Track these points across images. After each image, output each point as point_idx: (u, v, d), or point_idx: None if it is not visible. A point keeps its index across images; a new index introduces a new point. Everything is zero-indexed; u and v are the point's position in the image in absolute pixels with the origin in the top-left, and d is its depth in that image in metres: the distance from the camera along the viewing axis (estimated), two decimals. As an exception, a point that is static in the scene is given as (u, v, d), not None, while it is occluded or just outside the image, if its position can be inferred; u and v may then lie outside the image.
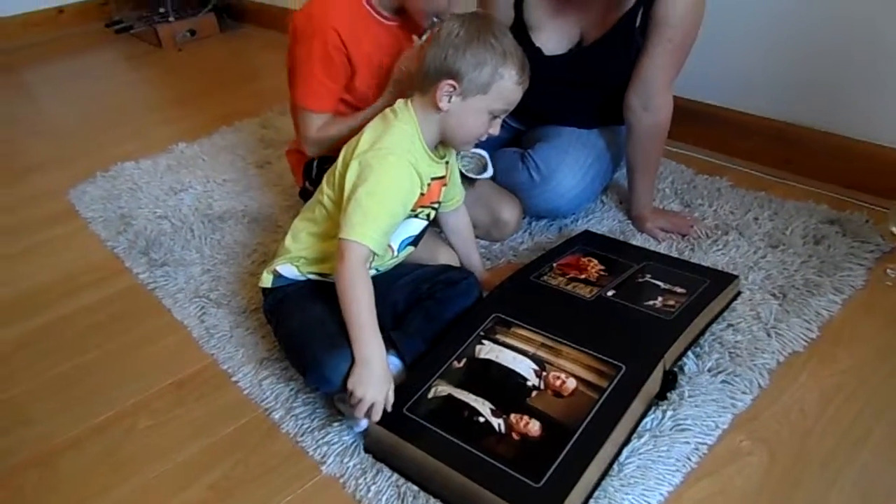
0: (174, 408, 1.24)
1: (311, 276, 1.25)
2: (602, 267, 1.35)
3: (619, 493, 0.99)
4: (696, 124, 1.85)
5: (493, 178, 1.57)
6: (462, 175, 1.48)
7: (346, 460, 1.09)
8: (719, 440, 1.09)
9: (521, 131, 1.72)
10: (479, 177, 1.53)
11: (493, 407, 1.06)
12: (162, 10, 3.39)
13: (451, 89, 1.12)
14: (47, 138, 2.44)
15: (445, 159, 1.24)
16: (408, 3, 1.41)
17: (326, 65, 1.40)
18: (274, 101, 2.48)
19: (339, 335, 1.10)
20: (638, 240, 1.54)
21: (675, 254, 1.48)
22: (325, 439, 1.13)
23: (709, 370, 1.18)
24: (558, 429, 1.01)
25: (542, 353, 1.14)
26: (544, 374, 1.10)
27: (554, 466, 0.95)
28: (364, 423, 1.10)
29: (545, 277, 1.33)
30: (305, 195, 1.56)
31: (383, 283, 1.23)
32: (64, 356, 1.38)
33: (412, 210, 1.19)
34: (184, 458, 1.14)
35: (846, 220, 1.53)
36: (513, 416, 1.04)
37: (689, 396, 1.14)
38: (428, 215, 1.25)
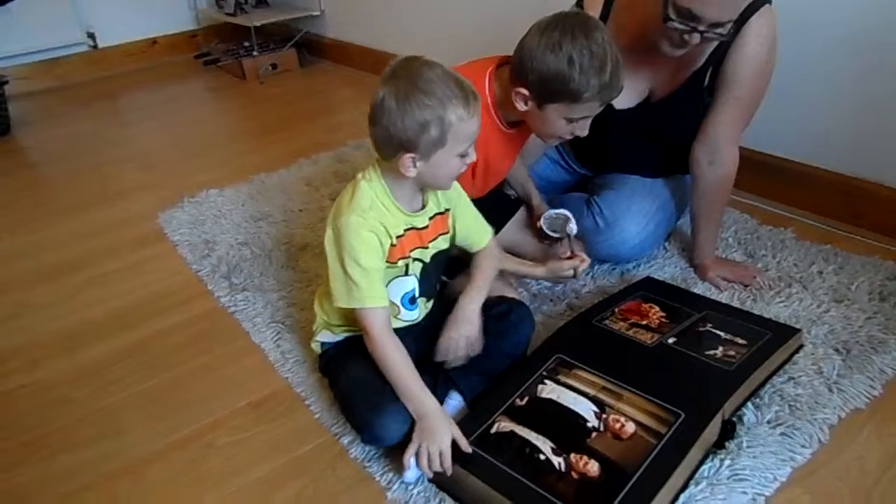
0: (251, 426, 1.32)
1: (347, 335, 1.32)
2: (663, 314, 1.39)
3: None
4: (762, 175, 1.87)
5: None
6: (546, 234, 1.54)
7: (410, 487, 1.15)
8: (777, 492, 1.10)
9: (587, 176, 1.78)
10: (558, 235, 1.55)
11: (553, 445, 1.11)
12: (247, 44, 3.60)
13: (412, 159, 1.12)
14: (139, 163, 2.62)
15: (427, 212, 1.24)
16: (533, 127, 1.42)
17: None
18: (349, 135, 2.61)
19: (383, 393, 1.17)
20: (699, 288, 1.57)
21: (736, 304, 1.50)
22: (391, 466, 1.19)
23: (768, 422, 1.20)
24: (617, 471, 1.05)
25: (602, 396, 1.18)
26: (604, 416, 1.15)
27: (611, 508, 0.99)
28: (411, 475, 1.15)
29: (607, 321, 1.37)
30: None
31: (436, 323, 1.29)
32: (152, 372, 1.49)
33: (388, 262, 1.20)
34: (259, 475, 1.22)
35: (916, 278, 1.52)
36: (573, 456, 1.08)
37: (748, 447, 1.16)
38: (407, 266, 1.24)
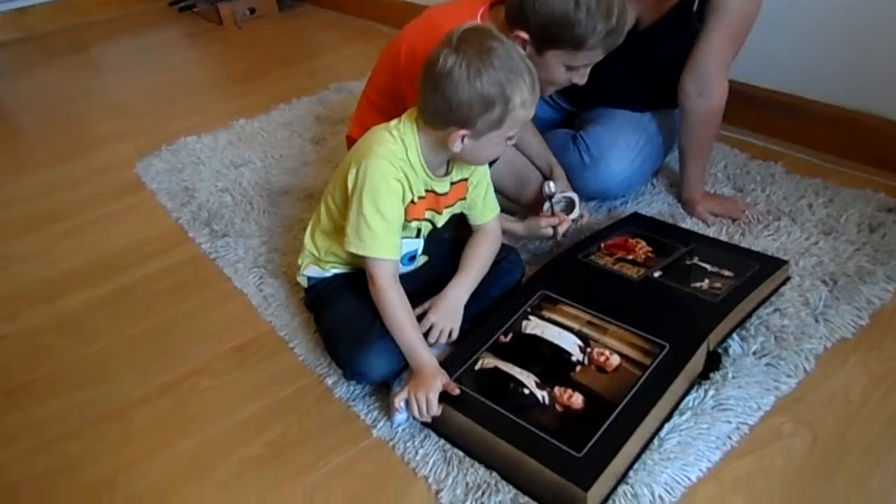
0: (234, 370, 1.31)
1: (336, 272, 1.30)
2: (650, 248, 1.37)
3: (659, 467, 1.02)
4: (752, 108, 1.83)
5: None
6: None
7: (395, 426, 1.14)
8: (761, 421, 1.10)
9: (573, 112, 1.74)
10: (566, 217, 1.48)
11: (537, 380, 1.10)
12: (223, -12, 3.48)
13: (463, 136, 1.08)
14: (115, 113, 2.55)
15: (450, 178, 1.21)
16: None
17: None
18: (330, 79, 2.54)
19: (366, 331, 1.16)
20: (687, 224, 1.55)
21: (724, 238, 1.48)
22: (376, 405, 1.19)
23: (753, 353, 1.19)
24: (601, 402, 1.04)
25: (587, 330, 1.17)
26: (589, 350, 1.14)
27: (595, 438, 0.99)
28: (400, 418, 1.14)
29: (593, 257, 1.36)
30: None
31: (429, 263, 1.28)
32: (136, 319, 1.47)
33: (404, 220, 1.17)
34: (243, 416, 1.21)
35: (907, 210, 1.51)
36: (557, 389, 1.08)
37: (733, 377, 1.15)
38: (419, 230, 1.22)
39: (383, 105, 1.43)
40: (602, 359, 1.12)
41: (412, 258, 1.28)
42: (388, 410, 1.16)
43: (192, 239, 1.71)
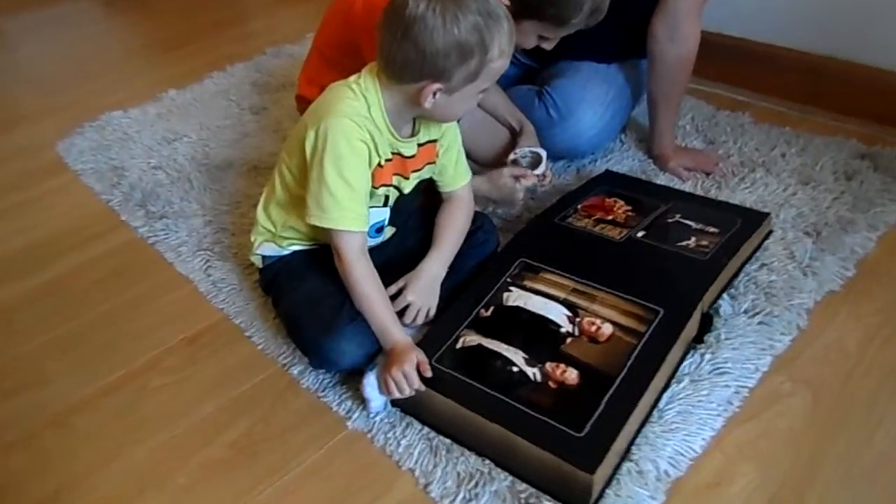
0: (187, 365, 1.18)
1: (295, 248, 1.19)
2: (629, 207, 1.29)
3: (661, 440, 0.96)
4: (717, 58, 1.75)
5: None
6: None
7: (372, 415, 1.05)
8: (760, 383, 1.05)
9: (534, 68, 1.64)
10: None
11: (526, 356, 1.02)
12: (141, -50, 3.21)
13: (437, 90, 0.97)
14: (30, 88, 2.32)
15: (417, 139, 1.10)
16: None
17: None
18: (266, 43, 2.36)
19: (335, 314, 1.06)
20: (661, 179, 1.48)
21: (700, 193, 1.42)
22: (349, 394, 1.09)
23: (745, 312, 1.14)
24: (597, 376, 0.97)
25: (573, 299, 1.09)
26: (578, 319, 1.06)
27: (596, 415, 0.91)
28: (376, 405, 1.04)
29: (570, 220, 1.27)
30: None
31: (397, 234, 1.17)
32: (71, 313, 1.31)
33: (371, 186, 1.07)
34: (200, 416, 1.09)
35: (878, 154, 1.48)
36: (548, 365, 1.00)
37: (727, 339, 1.10)
38: (387, 198, 1.12)
39: (337, 58, 1.31)
40: (593, 328, 1.04)
41: (379, 229, 1.16)
42: (362, 399, 1.06)
43: (126, 223, 1.54)
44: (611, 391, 0.94)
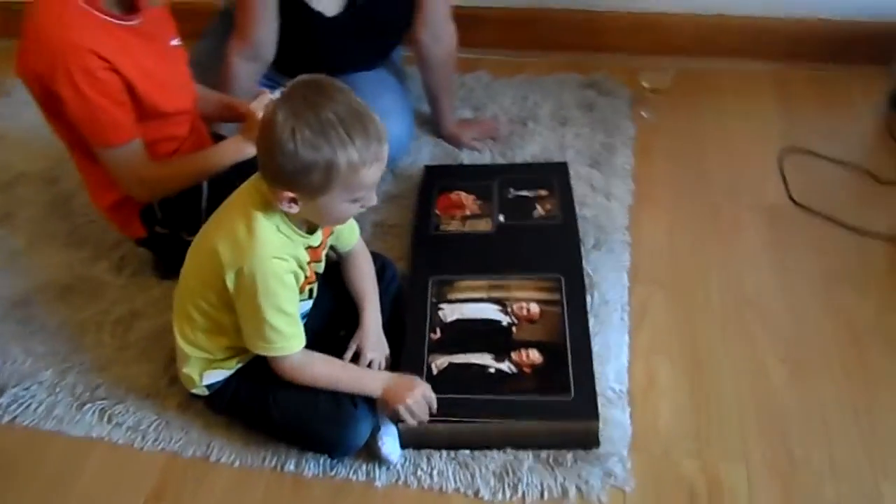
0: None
1: (241, 365, 1.19)
2: (474, 196, 1.52)
3: (600, 368, 1.23)
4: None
5: None
6: None
7: (392, 466, 1.16)
8: (631, 294, 1.40)
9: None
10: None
11: (491, 355, 1.22)
12: None
13: (291, 198, 0.99)
14: None
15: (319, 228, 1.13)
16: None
17: (103, 90, 1.20)
18: None
19: (340, 403, 1.13)
20: (465, 157, 1.72)
21: (500, 160, 1.69)
22: (359, 459, 1.17)
23: (594, 247, 1.47)
24: (553, 348, 1.22)
25: (495, 294, 1.31)
26: (509, 309, 1.28)
27: (572, 377, 1.17)
28: (392, 453, 1.15)
29: (441, 227, 1.45)
30: (156, 241, 1.40)
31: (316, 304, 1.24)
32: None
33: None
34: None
35: (599, 81, 1.90)
36: (514, 355, 1.21)
37: (594, 272, 1.42)
38: (311, 291, 1.19)
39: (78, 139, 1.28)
40: (525, 312, 1.27)
41: (304, 315, 1.21)
42: (372, 458, 1.16)
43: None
44: (569, 354, 1.20)
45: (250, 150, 1.25)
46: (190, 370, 1.17)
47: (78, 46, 1.16)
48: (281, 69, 1.61)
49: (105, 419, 1.26)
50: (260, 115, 1.26)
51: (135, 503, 1.16)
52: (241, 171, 1.25)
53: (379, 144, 0.98)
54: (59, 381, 1.32)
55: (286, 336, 1.07)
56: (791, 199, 1.57)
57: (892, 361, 1.27)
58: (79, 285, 1.50)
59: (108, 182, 1.33)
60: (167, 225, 1.36)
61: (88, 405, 1.27)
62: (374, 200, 1.06)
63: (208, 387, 1.18)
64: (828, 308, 1.36)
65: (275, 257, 1.03)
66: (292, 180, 0.97)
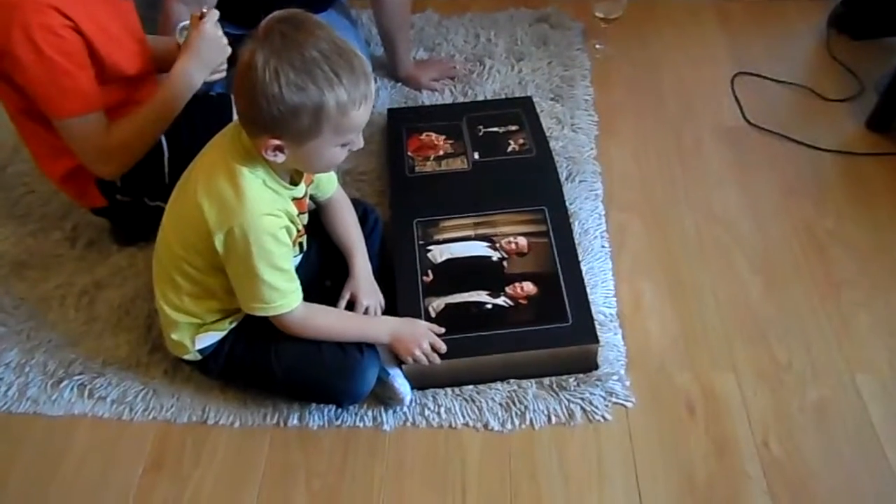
0: (179, 490, 1.10)
1: (233, 324, 1.15)
2: (444, 136, 1.49)
3: (592, 294, 1.26)
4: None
5: None
6: None
7: (399, 408, 1.16)
8: (607, 222, 1.43)
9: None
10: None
11: (486, 292, 1.22)
12: None
13: (277, 145, 0.94)
14: None
15: (303, 178, 1.09)
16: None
17: (64, 51, 1.10)
18: None
19: (346, 353, 1.11)
20: (426, 98, 1.68)
21: (462, 99, 1.67)
22: (363, 405, 1.16)
23: (567, 179, 1.48)
24: (545, 278, 1.23)
25: (482, 231, 1.30)
26: (497, 245, 1.28)
27: (567, 304, 1.19)
28: (404, 393, 1.15)
29: (417, 168, 1.43)
30: (116, 210, 1.32)
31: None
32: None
33: None
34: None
35: (549, 15, 1.88)
36: (508, 289, 1.22)
37: (570, 203, 1.43)
38: (301, 245, 1.15)
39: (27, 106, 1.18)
40: (513, 246, 1.28)
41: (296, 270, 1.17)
42: (376, 401, 1.16)
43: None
44: (562, 282, 1.22)
45: (195, 71, 1.19)
46: (180, 336, 1.12)
47: (39, 3, 1.05)
48: (226, 16, 1.51)
49: (85, 395, 1.20)
50: (187, 22, 1.21)
51: (132, 476, 1.12)
52: (194, 126, 1.19)
53: (367, 82, 0.93)
54: (27, 360, 1.25)
55: (284, 293, 1.04)
56: (746, 119, 1.62)
57: (852, 263, 1.35)
58: (32, 260, 1.40)
59: (60, 149, 1.21)
60: (128, 192, 1.28)
61: (65, 382, 1.21)
62: (360, 143, 1.01)
63: (201, 351, 1.14)
64: (790, 220, 1.43)
65: (266, 214, 0.98)
66: (278, 126, 0.91)
